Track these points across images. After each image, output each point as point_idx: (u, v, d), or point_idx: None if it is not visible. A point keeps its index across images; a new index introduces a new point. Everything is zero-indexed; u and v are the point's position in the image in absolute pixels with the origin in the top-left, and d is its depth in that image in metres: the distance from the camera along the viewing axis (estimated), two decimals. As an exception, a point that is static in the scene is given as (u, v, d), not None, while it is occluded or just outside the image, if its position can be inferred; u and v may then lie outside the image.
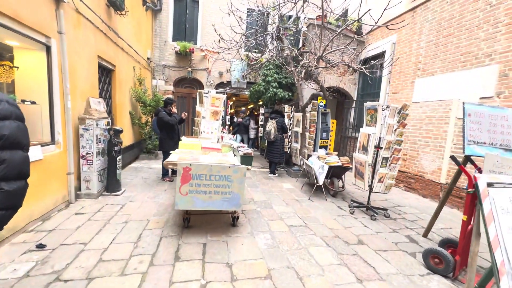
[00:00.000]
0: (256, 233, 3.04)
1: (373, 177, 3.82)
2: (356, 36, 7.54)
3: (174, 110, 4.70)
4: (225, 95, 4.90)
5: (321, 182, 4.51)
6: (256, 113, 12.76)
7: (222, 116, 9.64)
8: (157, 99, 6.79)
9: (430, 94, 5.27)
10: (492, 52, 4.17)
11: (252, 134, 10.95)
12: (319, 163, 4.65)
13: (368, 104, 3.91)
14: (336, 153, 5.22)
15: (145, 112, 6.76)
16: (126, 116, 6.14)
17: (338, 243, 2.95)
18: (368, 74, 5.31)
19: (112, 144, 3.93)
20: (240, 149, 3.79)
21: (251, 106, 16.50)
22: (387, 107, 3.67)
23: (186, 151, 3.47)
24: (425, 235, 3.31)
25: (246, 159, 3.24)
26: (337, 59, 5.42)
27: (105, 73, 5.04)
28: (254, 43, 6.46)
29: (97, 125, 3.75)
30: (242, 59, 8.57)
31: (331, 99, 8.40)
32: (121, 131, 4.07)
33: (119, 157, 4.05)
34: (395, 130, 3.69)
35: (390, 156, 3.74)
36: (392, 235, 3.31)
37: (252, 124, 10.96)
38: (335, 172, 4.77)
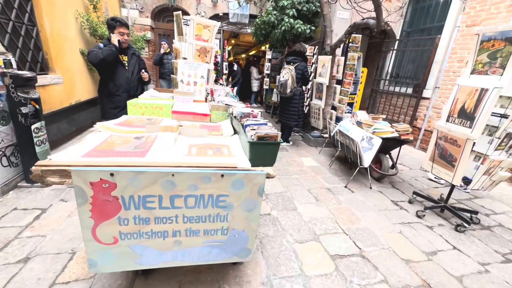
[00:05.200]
0: (278, 283, 1.59)
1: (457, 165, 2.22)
2: None
3: (124, 44, 2.64)
4: (219, 24, 2.86)
5: (367, 164, 2.94)
6: (256, 59, 10.46)
7: (218, 62, 7.54)
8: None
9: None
10: None
11: (255, 86, 8.98)
12: (362, 133, 3.01)
13: (485, 31, 2.05)
14: (384, 116, 3.52)
15: (107, 53, 4.76)
16: (75, 57, 4.19)
17: (438, 307, 1.53)
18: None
19: (15, 103, 2.20)
20: (248, 121, 1.44)
21: (254, 52, 13.93)
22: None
23: (130, 123, 1.58)
24: None
25: (264, 149, 1.19)
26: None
27: (14, -24, 2.95)
28: None
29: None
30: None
31: (361, 38, 6.24)
32: (32, 79, 2.29)
33: (38, 125, 2.37)
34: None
35: (517, 131, 2.08)
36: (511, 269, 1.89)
37: (254, 73, 8.91)
38: (385, 146, 3.16)
